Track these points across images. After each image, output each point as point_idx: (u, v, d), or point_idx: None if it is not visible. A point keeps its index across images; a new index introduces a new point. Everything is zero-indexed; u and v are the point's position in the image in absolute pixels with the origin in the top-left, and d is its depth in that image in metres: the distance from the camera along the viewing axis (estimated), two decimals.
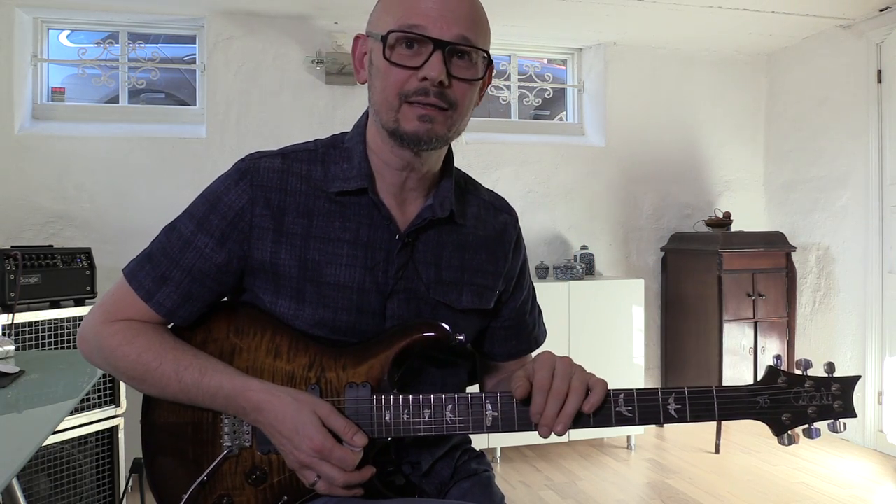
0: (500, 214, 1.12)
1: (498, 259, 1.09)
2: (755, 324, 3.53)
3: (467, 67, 0.92)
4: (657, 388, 0.93)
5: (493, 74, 1.05)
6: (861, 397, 3.47)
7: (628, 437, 3.55)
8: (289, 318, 0.98)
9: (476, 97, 0.98)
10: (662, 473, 3.17)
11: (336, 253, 0.97)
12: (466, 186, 1.11)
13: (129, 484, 2.45)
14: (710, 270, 3.51)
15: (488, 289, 1.08)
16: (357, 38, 0.99)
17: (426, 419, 0.93)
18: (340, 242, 0.98)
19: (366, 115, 1.03)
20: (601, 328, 3.35)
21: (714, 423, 3.61)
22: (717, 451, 3.44)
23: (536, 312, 1.19)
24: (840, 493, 2.88)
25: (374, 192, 0.98)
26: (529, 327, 1.17)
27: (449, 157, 1.05)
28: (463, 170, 1.12)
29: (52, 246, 2.65)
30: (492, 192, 1.15)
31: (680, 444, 3.61)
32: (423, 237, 1.02)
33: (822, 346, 3.74)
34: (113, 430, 2.42)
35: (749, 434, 3.73)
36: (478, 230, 1.08)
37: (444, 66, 0.89)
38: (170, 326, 1.01)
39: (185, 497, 0.95)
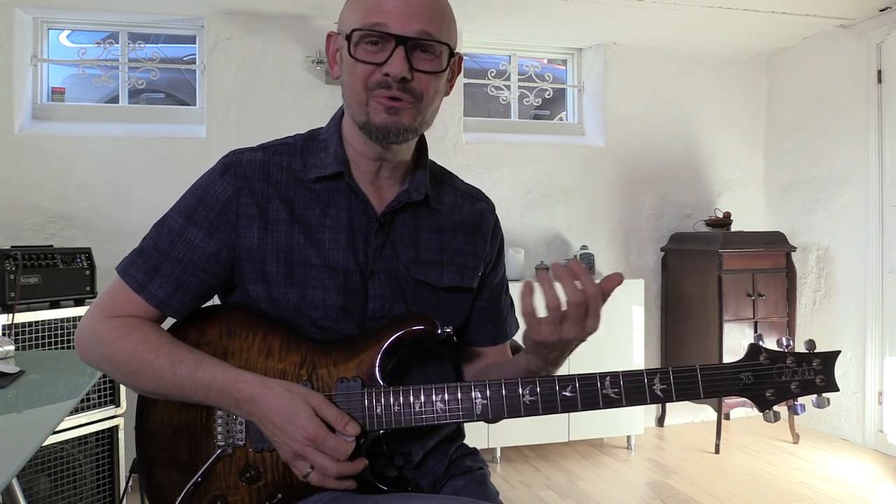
0: (476, 202, 1.17)
1: (477, 242, 1.13)
2: (755, 324, 3.53)
3: (430, 60, 0.96)
4: (642, 370, 0.95)
5: (462, 66, 1.09)
6: (861, 397, 3.48)
7: (628, 437, 3.55)
8: (280, 304, 1.00)
9: (443, 88, 1.02)
10: (662, 473, 3.17)
11: (318, 237, 1.01)
12: (442, 178, 1.15)
13: (129, 484, 2.45)
14: (710, 270, 3.51)
15: (469, 268, 1.11)
16: (329, 35, 1.04)
17: (416, 409, 0.95)
18: (322, 227, 1.02)
19: (341, 109, 1.08)
20: (601, 328, 3.34)
21: (714, 423, 3.61)
22: (717, 451, 3.44)
23: (509, 302, 1.22)
24: (840, 493, 2.88)
25: (350, 178, 1.02)
26: (504, 312, 1.19)
27: (423, 147, 1.09)
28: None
29: (52, 246, 2.65)
30: (467, 183, 1.20)
31: (680, 444, 3.61)
32: (399, 219, 1.06)
33: (821, 345, 3.65)
34: (113, 430, 2.42)
35: (749, 434, 3.73)
36: (454, 215, 1.11)
37: (407, 62, 0.93)
38: (168, 329, 1.02)
39: (179, 499, 0.95)
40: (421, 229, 1.07)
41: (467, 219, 1.13)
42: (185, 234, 1.00)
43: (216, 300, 1.09)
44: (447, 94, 1.04)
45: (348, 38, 0.95)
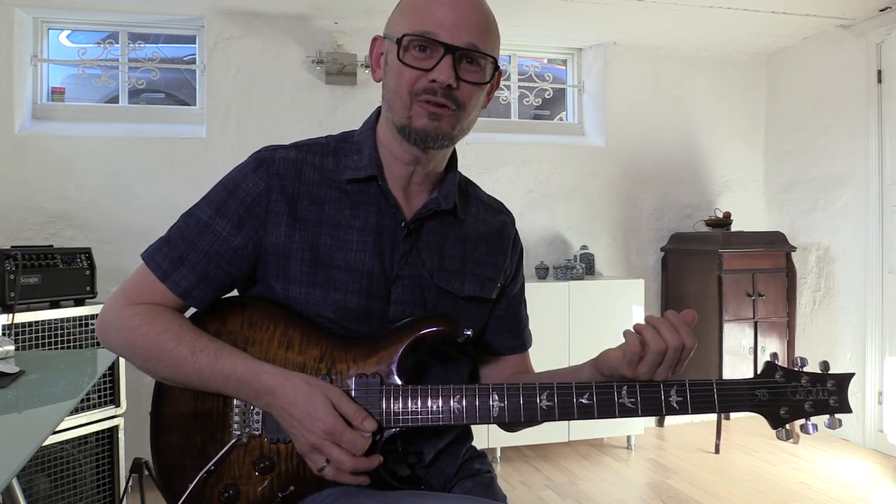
0: (498, 215, 1.18)
1: (498, 254, 1.14)
2: (755, 324, 3.53)
3: (475, 71, 0.99)
4: (659, 381, 0.96)
5: (500, 80, 1.11)
6: (861, 397, 3.48)
7: (628, 437, 3.55)
8: (300, 303, 1.01)
9: (483, 100, 1.03)
10: (662, 473, 3.17)
11: (346, 239, 1.02)
12: (467, 188, 1.16)
13: (129, 484, 2.45)
14: (710, 270, 3.51)
15: (489, 279, 1.12)
16: (375, 38, 1.05)
17: (434, 409, 0.95)
18: (350, 229, 1.03)
19: (375, 113, 1.09)
20: (601, 328, 3.34)
21: (714, 423, 3.61)
22: (717, 451, 3.44)
23: (527, 313, 1.23)
24: (840, 493, 2.88)
25: (382, 181, 1.03)
26: (523, 322, 1.21)
27: (453, 158, 1.11)
28: (463, 169, 1.16)
29: (52, 246, 2.64)
30: (490, 195, 1.22)
31: (680, 444, 3.61)
32: (426, 226, 1.07)
33: (821, 345, 3.74)
34: (113, 430, 2.42)
35: (749, 434, 3.73)
36: (478, 226, 1.13)
37: (454, 70, 0.96)
38: (189, 318, 1.03)
39: (192, 485, 0.96)
40: (446, 238, 1.08)
41: (490, 230, 1.14)
42: (213, 225, 1.01)
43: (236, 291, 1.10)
44: (485, 107, 1.06)
45: (398, 42, 0.97)
